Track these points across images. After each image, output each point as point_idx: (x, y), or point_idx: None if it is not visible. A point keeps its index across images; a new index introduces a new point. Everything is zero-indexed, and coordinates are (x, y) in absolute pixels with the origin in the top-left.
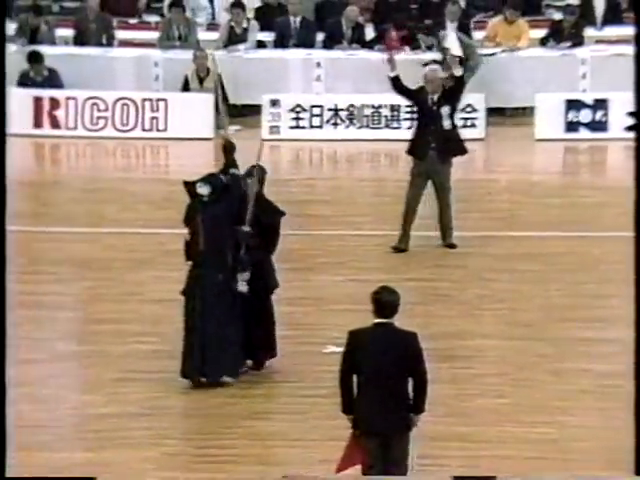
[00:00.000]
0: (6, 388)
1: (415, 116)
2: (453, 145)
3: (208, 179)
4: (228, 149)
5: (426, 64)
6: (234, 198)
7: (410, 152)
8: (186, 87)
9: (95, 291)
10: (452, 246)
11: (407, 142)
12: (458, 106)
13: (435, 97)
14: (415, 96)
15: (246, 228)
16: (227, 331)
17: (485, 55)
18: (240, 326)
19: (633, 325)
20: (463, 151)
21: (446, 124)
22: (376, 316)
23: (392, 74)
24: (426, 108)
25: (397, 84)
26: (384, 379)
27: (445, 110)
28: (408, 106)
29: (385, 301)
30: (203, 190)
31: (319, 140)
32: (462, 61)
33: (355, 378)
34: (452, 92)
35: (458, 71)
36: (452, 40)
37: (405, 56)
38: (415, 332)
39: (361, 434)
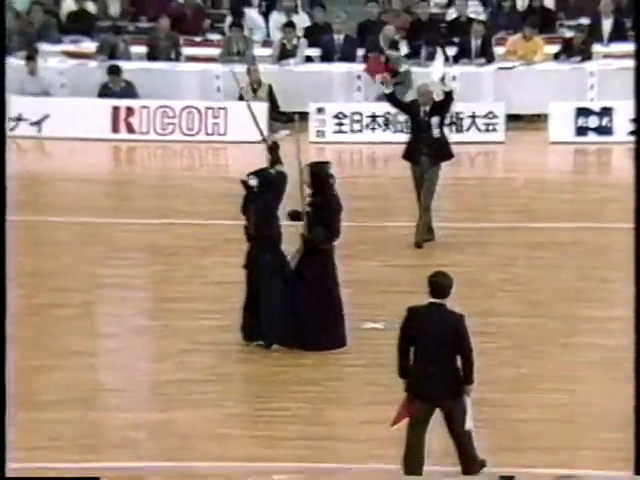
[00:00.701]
0: (6, 388)
1: (409, 125)
2: (442, 151)
3: (257, 173)
4: (273, 148)
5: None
6: (279, 190)
7: (405, 157)
8: (242, 97)
9: (165, 274)
10: (419, 245)
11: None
12: (447, 117)
13: (427, 108)
14: (409, 108)
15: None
16: (276, 304)
17: (505, 68)
18: (288, 302)
19: (633, 323)
20: (450, 156)
21: (435, 132)
22: (431, 296)
23: (387, 91)
24: (418, 119)
25: (393, 99)
26: (434, 352)
27: (435, 120)
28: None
29: (439, 284)
30: (253, 182)
31: (359, 143)
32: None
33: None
34: (441, 105)
35: (446, 88)
36: (438, 64)
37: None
38: (463, 314)
39: (413, 396)
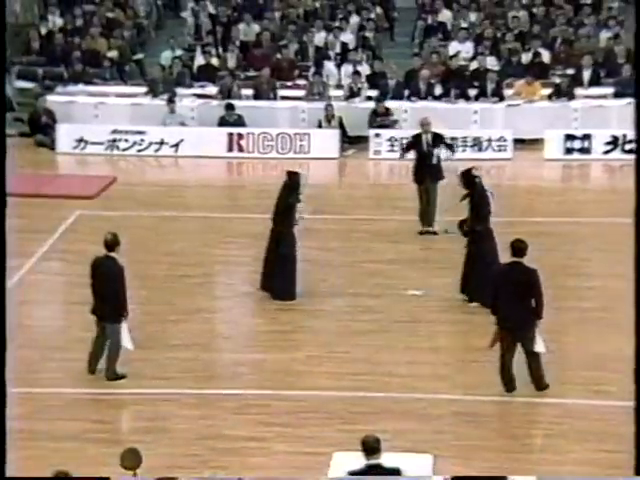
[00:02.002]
0: (6, 388)
1: (415, 155)
2: (438, 174)
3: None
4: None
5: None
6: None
7: (415, 180)
8: (320, 125)
9: (261, 254)
10: (435, 233)
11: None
12: (441, 149)
13: (429, 138)
14: (414, 145)
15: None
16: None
17: (513, 105)
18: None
19: (633, 323)
20: (442, 177)
21: (434, 160)
22: (512, 256)
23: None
24: (422, 150)
25: (407, 152)
26: (515, 296)
27: (434, 151)
28: (462, 137)
29: (518, 247)
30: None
31: (406, 159)
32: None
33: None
34: (437, 137)
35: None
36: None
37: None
38: (536, 268)
39: (501, 328)
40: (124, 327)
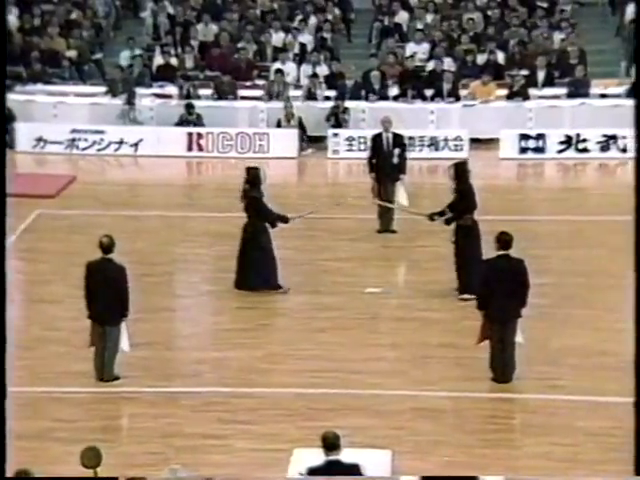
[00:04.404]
0: (6, 388)
1: (374, 154)
2: (398, 174)
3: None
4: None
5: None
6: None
7: (375, 179)
8: (279, 125)
9: (224, 253)
10: (393, 231)
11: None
12: (406, 151)
13: (390, 137)
14: (376, 147)
15: None
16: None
17: (468, 105)
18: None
19: (633, 323)
20: (400, 178)
21: (395, 160)
22: (499, 249)
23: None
24: (382, 150)
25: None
26: (504, 288)
27: (395, 151)
28: (420, 137)
29: (504, 239)
30: None
31: (365, 159)
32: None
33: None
34: (397, 137)
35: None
36: (401, 192)
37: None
38: (523, 259)
39: (490, 321)
40: (124, 328)
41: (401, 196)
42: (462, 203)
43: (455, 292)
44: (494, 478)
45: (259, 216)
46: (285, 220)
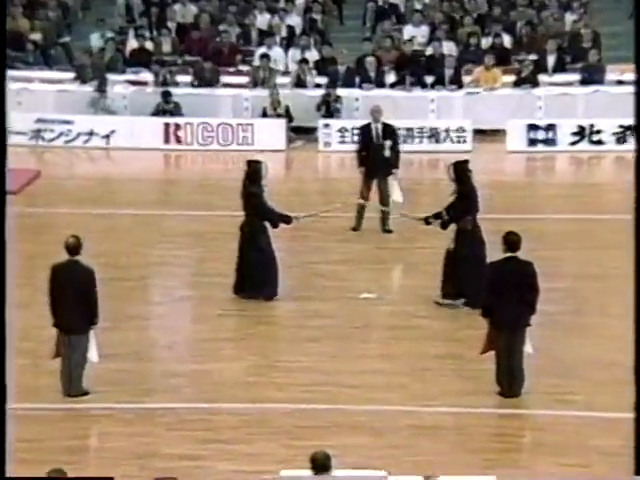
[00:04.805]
0: (6, 390)
1: (363, 147)
2: (390, 168)
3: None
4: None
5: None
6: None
7: (365, 174)
8: (264, 114)
9: (204, 255)
10: (389, 231)
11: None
12: (398, 144)
13: (379, 128)
14: (364, 139)
15: None
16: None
17: (472, 93)
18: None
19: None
20: (392, 172)
21: (386, 153)
22: (506, 251)
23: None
24: (372, 142)
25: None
26: (512, 293)
27: (386, 144)
28: (418, 128)
29: (511, 240)
30: None
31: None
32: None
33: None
34: (388, 128)
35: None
36: (395, 188)
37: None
38: (532, 261)
39: (497, 330)
40: (92, 337)
41: (396, 193)
42: (462, 205)
43: (440, 297)
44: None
45: (258, 214)
46: (288, 220)
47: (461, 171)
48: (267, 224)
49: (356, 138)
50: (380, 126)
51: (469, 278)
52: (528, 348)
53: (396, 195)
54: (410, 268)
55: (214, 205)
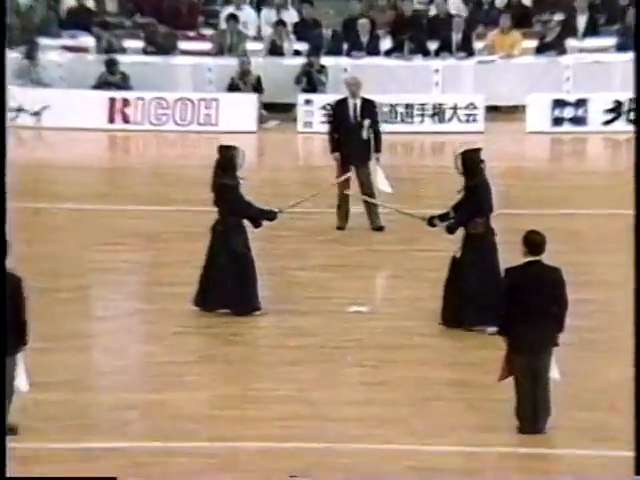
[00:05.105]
0: (5, 389)
1: (336, 127)
2: (369, 153)
3: None
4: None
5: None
6: None
7: (341, 161)
8: (232, 87)
9: (158, 259)
10: (380, 228)
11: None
12: (378, 122)
13: (358, 105)
14: (339, 118)
15: None
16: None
17: (485, 61)
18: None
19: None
20: (371, 158)
21: (364, 134)
22: (527, 255)
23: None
24: (348, 121)
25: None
26: (536, 307)
27: (365, 123)
28: (420, 104)
29: (535, 241)
30: None
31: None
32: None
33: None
34: (368, 105)
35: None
36: (379, 175)
37: None
38: (559, 267)
39: (516, 352)
40: (20, 361)
41: (381, 182)
42: (471, 203)
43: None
44: None
45: (233, 211)
46: (272, 216)
47: (471, 162)
48: (245, 222)
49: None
50: (359, 102)
51: (476, 293)
52: (555, 374)
53: (382, 184)
54: (409, 275)
55: (170, 199)
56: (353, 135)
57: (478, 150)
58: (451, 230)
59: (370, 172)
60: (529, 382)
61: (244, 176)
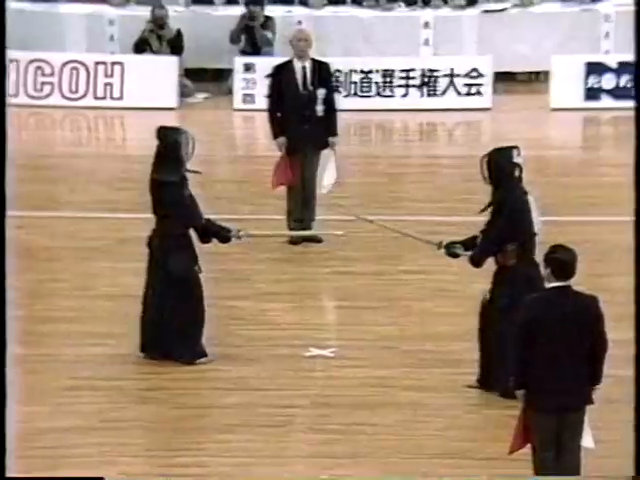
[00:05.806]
0: (6, 383)
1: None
2: (324, 136)
3: None
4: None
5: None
6: None
7: (287, 148)
8: (141, 47)
9: (42, 285)
10: (319, 240)
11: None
12: (334, 92)
13: (308, 69)
14: (282, 88)
15: None
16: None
17: (494, 11)
18: None
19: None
20: (328, 143)
21: (319, 109)
22: (553, 279)
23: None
24: (294, 91)
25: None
26: (563, 350)
27: (319, 94)
28: (403, 70)
29: (563, 260)
30: None
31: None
32: None
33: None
34: (323, 70)
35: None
36: (330, 172)
37: None
38: (596, 295)
39: (536, 410)
40: None
41: (328, 176)
42: (499, 224)
43: (475, 383)
44: None
45: (177, 217)
46: (225, 235)
47: (500, 167)
48: (192, 234)
49: None
50: (308, 65)
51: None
52: (588, 441)
53: (328, 178)
54: (389, 306)
55: (57, 201)
56: (303, 111)
57: (511, 149)
58: (475, 261)
59: (318, 163)
60: (553, 453)
61: (197, 169)
